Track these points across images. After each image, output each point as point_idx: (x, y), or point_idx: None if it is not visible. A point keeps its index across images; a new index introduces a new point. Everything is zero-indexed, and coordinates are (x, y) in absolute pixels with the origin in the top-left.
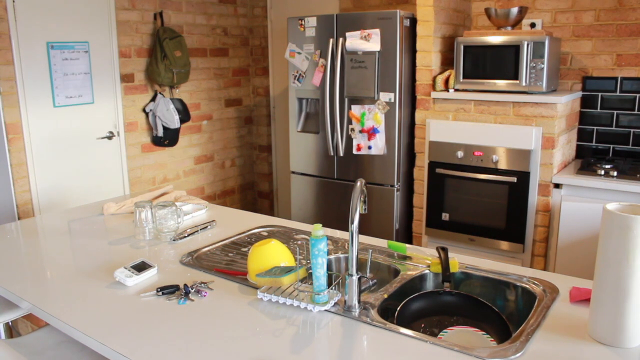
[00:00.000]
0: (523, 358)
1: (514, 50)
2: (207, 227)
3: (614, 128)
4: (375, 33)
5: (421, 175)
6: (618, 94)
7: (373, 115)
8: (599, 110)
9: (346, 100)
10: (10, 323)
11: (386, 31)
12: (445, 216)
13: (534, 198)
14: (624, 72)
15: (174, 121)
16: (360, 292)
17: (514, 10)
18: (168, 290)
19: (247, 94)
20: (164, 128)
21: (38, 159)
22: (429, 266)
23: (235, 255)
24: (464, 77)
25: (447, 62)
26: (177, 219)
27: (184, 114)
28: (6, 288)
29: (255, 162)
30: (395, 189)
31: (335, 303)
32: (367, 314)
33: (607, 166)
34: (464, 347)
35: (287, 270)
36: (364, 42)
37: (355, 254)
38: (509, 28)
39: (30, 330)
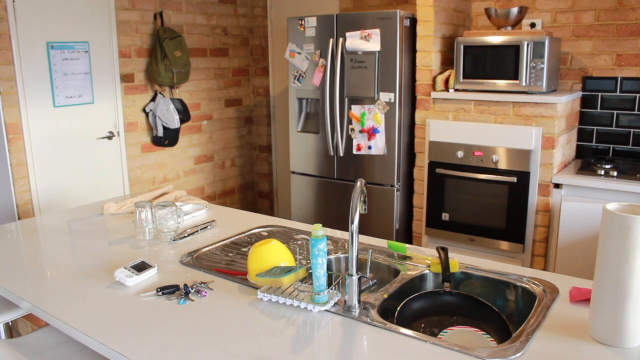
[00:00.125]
0: (523, 358)
1: (514, 50)
2: (207, 227)
3: (614, 128)
4: (375, 33)
5: (421, 175)
6: (618, 94)
7: (373, 115)
8: (599, 110)
9: (346, 100)
10: (10, 323)
11: (386, 31)
12: (445, 216)
13: (534, 198)
14: (624, 72)
15: (174, 121)
16: (360, 292)
17: (514, 10)
18: (168, 290)
19: (247, 94)
20: (164, 128)
21: (38, 159)
22: (429, 266)
23: (235, 255)
24: (464, 77)
25: (447, 62)
26: (177, 219)
27: (184, 114)
28: (6, 288)
29: (255, 162)
30: (395, 189)
31: (335, 303)
32: (367, 314)
33: (607, 166)
34: (464, 347)
35: (287, 270)
36: (364, 42)
37: (355, 254)
38: (509, 28)
39: (30, 330)
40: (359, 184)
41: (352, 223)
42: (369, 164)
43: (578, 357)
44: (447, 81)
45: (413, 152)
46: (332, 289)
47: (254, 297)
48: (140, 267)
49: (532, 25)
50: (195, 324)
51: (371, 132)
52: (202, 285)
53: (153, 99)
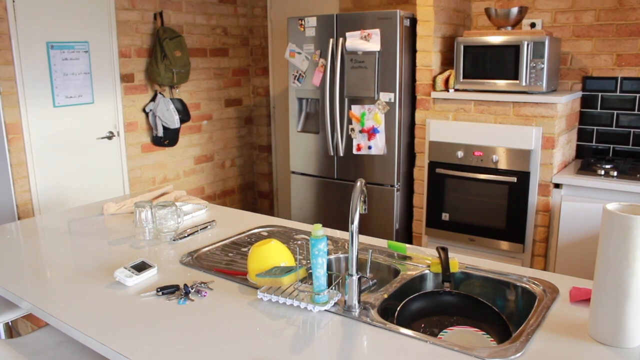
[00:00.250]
0: (523, 358)
1: (514, 50)
2: (207, 227)
3: (614, 128)
4: (375, 33)
5: (421, 175)
6: (618, 94)
7: (373, 115)
8: (599, 110)
9: (346, 100)
10: (10, 323)
11: (386, 31)
12: (445, 216)
13: (534, 198)
14: (624, 72)
15: (174, 121)
16: (360, 292)
17: (514, 10)
18: (168, 290)
19: (247, 94)
20: (164, 128)
21: (38, 159)
22: (429, 266)
23: (235, 255)
24: (464, 77)
25: (447, 62)
26: (177, 219)
27: (184, 114)
28: (6, 288)
29: (255, 162)
30: (395, 189)
31: (335, 303)
32: (367, 314)
33: (607, 166)
34: (464, 347)
35: (287, 270)
36: (364, 42)
37: (355, 254)
38: (509, 28)
39: (30, 330)
40: (359, 184)
41: (352, 223)
42: (369, 164)
43: (578, 357)
44: (447, 81)
45: (413, 152)
46: (332, 289)
47: (254, 297)
48: (140, 267)
49: (532, 25)
50: (195, 324)
51: (371, 132)
52: (202, 285)
53: (153, 99)
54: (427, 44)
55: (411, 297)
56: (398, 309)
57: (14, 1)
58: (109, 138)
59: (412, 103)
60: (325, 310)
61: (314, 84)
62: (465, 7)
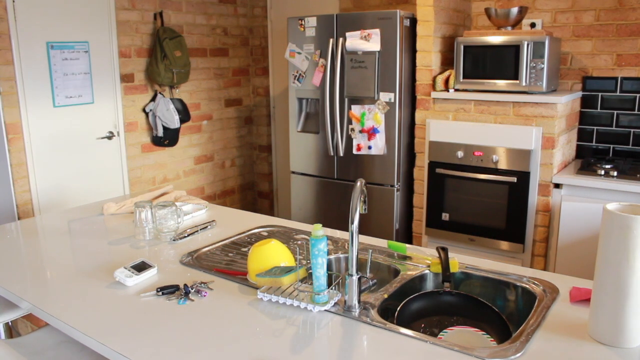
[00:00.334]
0: (523, 358)
1: (514, 50)
2: (207, 227)
3: (614, 128)
4: (375, 33)
5: (421, 175)
6: (618, 94)
7: (373, 115)
8: (599, 110)
9: (346, 100)
10: (10, 323)
11: (386, 31)
12: (445, 216)
13: (534, 198)
14: (624, 72)
15: (174, 121)
16: (360, 292)
17: (514, 10)
18: (168, 290)
19: (247, 94)
20: (164, 128)
21: (38, 159)
22: (429, 266)
23: (235, 255)
24: (464, 77)
25: (447, 62)
26: (177, 219)
27: (184, 114)
28: (6, 288)
29: (255, 162)
30: (395, 189)
31: (335, 303)
32: (367, 314)
33: (607, 166)
34: (464, 347)
35: (287, 270)
36: (364, 42)
37: (355, 254)
38: (509, 28)
39: (30, 330)
40: (359, 184)
41: (352, 223)
42: (369, 164)
43: (578, 357)
44: (447, 81)
45: (413, 152)
46: (332, 289)
47: (254, 297)
48: (140, 267)
49: (532, 25)
50: (195, 324)
51: (371, 132)
52: (202, 285)
53: (153, 99)
54: (427, 44)
55: (411, 297)
56: (398, 309)
57: (14, 1)
58: (109, 138)
59: (412, 103)
60: (325, 310)
61: (314, 84)
62: (465, 7)
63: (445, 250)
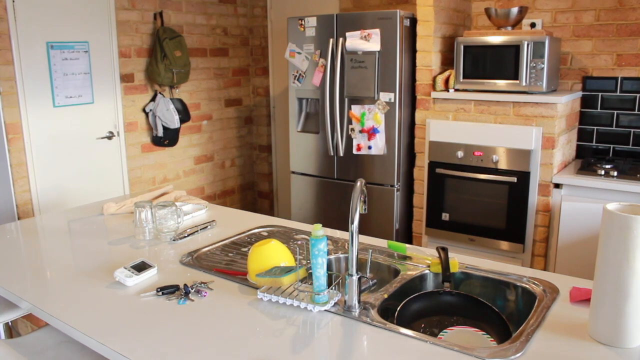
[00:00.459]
0: (523, 358)
1: (514, 50)
2: (207, 227)
3: (614, 128)
4: (375, 33)
5: (421, 175)
6: (618, 94)
7: (373, 115)
8: (599, 110)
9: (346, 100)
10: (10, 323)
11: (386, 31)
12: (445, 216)
13: (534, 198)
14: (624, 72)
15: (173, 121)
16: (360, 292)
17: (514, 10)
18: (168, 290)
19: (247, 94)
20: (164, 128)
21: (38, 159)
22: (429, 266)
23: (235, 255)
24: (464, 77)
25: (447, 62)
26: (177, 219)
27: (184, 114)
28: (6, 288)
29: (255, 162)
30: (395, 189)
31: (335, 303)
32: (367, 314)
33: (608, 166)
34: (464, 347)
35: (287, 270)
36: (364, 42)
37: (355, 254)
38: (509, 28)
39: (30, 330)
40: (359, 184)
41: (352, 223)
42: (369, 164)
43: (578, 357)
44: (447, 81)
45: (413, 152)
46: (332, 289)
47: (254, 297)
48: (140, 267)
49: (532, 25)
50: (195, 324)
51: (371, 132)
52: (202, 285)
53: (153, 99)
54: (427, 44)
55: (411, 297)
56: (398, 309)
57: (13, 1)
58: (109, 138)
59: (412, 103)
60: (325, 310)
61: (314, 84)
62: (465, 7)
63: (445, 250)
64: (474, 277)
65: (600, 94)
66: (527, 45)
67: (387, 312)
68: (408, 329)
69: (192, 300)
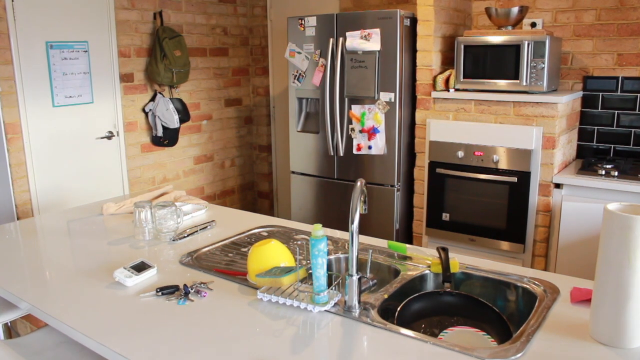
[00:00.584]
0: (524, 358)
1: (514, 49)
2: (206, 227)
3: (614, 128)
4: (376, 33)
5: (421, 175)
6: (619, 93)
7: (373, 115)
8: (599, 110)
9: (346, 100)
10: (9, 323)
11: (386, 31)
12: (445, 216)
13: (534, 198)
14: (625, 72)
15: (173, 121)
16: (360, 292)
17: (515, 9)
18: (168, 290)
19: (247, 93)
20: (164, 128)
21: (37, 159)
22: (429, 266)
23: (235, 255)
24: (464, 77)
25: (448, 61)
26: (177, 219)
27: (184, 114)
28: (5, 288)
29: (255, 162)
30: (396, 189)
31: (336, 303)
32: (368, 314)
33: (608, 166)
34: (465, 348)
35: (287, 270)
36: (364, 41)
37: (355, 254)
38: (510, 28)
39: (29, 330)
40: (359, 184)
41: (352, 223)
42: (369, 164)
43: (579, 357)
44: (447, 81)
45: (413, 152)
46: (332, 289)
47: (253, 297)
48: (140, 268)
49: (533, 24)
50: (195, 324)
51: (371, 132)
52: (202, 285)
53: (153, 99)
54: (427, 43)
55: (411, 297)
56: (398, 309)
57: (13, 0)
58: (109, 138)
59: (412, 103)
60: (325, 310)
61: (314, 83)
62: (466, 7)
63: (445, 250)
64: (475, 277)
65: (601, 93)
66: (528, 45)
67: (388, 312)
68: (408, 329)
69: (192, 301)
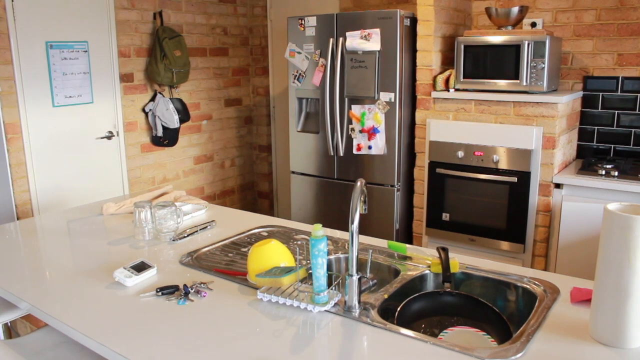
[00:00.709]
0: (524, 358)
1: (514, 49)
2: (206, 227)
3: (615, 128)
4: (376, 32)
5: (421, 175)
6: (619, 93)
7: (373, 115)
8: (599, 110)
9: (346, 100)
10: (9, 324)
11: (386, 31)
12: (445, 216)
13: (534, 198)
14: (625, 72)
15: (173, 121)
16: (360, 292)
17: (515, 9)
18: (168, 290)
19: (247, 93)
20: (164, 128)
21: (37, 159)
22: (429, 266)
23: (235, 255)
24: (464, 77)
25: (448, 61)
26: (177, 219)
27: (184, 114)
28: (5, 288)
29: (255, 162)
30: (396, 189)
31: (336, 303)
32: (368, 314)
33: (608, 166)
34: (465, 348)
35: (287, 270)
36: (364, 41)
37: (355, 254)
38: (510, 27)
39: (29, 330)
40: (359, 184)
41: (352, 223)
42: (369, 164)
43: (579, 357)
44: (447, 81)
45: (413, 152)
46: (332, 289)
47: (253, 297)
48: (140, 268)
49: (533, 24)
50: (195, 324)
51: (371, 132)
52: (202, 285)
53: (152, 99)
54: (427, 43)
55: (411, 297)
56: (398, 309)
57: (13, 1)
58: (109, 138)
59: (412, 103)
60: (325, 310)
61: (314, 83)
62: (466, 7)
63: (445, 250)
64: (475, 277)
65: (601, 93)
66: (528, 44)
67: (388, 312)
68: (408, 329)
69: (192, 301)
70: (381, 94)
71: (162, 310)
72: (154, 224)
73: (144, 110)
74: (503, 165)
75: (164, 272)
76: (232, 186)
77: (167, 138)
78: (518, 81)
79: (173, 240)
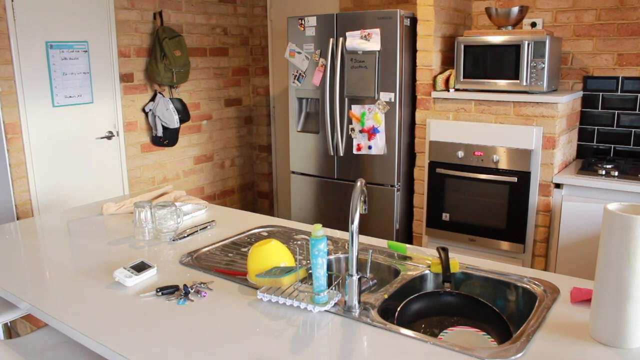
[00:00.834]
0: (524, 358)
1: (514, 49)
2: (206, 227)
3: (615, 128)
4: (376, 32)
5: (421, 175)
6: (619, 93)
7: (373, 115)
8: (599, 110)
9: (346, 100)
10: (9, 324)
11: (386, 31)
12: (445, 216)
13: (534, 198)
14: (625, 72)
15: (173, 121)
16: (360, 292)
17: (515, 9)
18: (168, 290)
19: (247, 93)
20: (164, 128)
21: (37, 159)
22: (429, 266)
23: (235, 255)
24: (464, 77)
25: (448, 61)
26: (177, 219)
27: (184, 114)
28: (5, 288)
29: (255, 162)
30: (396, 189)
31: (336, 303)
32: (368, 314)
33: (608, 166)
34: (465, 348)
35: (287, 270)
36: (364, 41)
37: (355, 254)
38: (510, 27)
39: (29, 330)
40: (359, 184)
41: (352, 223)
42: (369, 164)
43: (579, 357)
44: (447, 81)
45: (413, 152)
46: (332, 289)
47: (253, 297)
48: (140, 268)
49: (533, 24)
50: (195, 324)
51: (371, 132)
52: (202, 285)
53: (152, 99)
54: (427, 43)
55: (411, 297)
56: (398, 309)
57: (13, 1)
58: (109, 138)
59: (412, 103)
60: (325, 310)
61: (314, 83)
62: (466, 7)
63: (445, 250)
64: (475, 277)
65: (601, 93)
66: (528, 44)
67: (388, 312)
68: (408, 329)
69: (192, 301)
70: (381, 94)
71: (162, 310)
72: (154, 224)
73: (144, 110)
74: (503, 165)
75: (164, 272)
76: (232, 186)
77: (167, 138)
78: (518, 81)
79: (173, 240)
